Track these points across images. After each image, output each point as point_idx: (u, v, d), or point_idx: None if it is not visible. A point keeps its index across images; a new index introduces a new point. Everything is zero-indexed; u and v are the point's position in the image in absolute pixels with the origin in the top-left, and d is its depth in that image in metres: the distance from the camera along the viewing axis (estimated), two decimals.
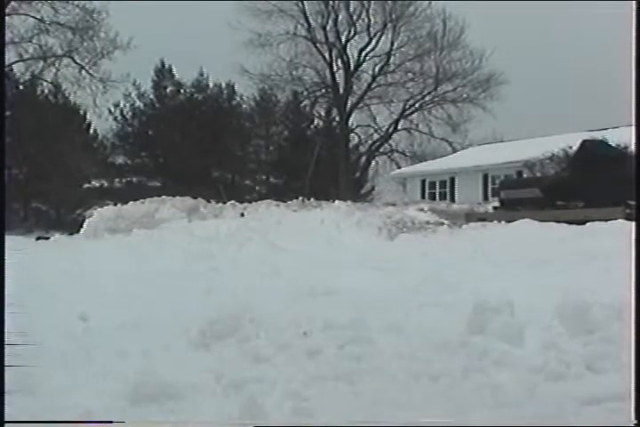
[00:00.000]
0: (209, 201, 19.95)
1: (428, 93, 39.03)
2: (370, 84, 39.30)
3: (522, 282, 6.65)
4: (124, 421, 3.29)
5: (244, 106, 42.74)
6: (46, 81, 33.57)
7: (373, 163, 41.57)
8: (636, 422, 3.02)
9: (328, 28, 38.51)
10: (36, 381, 3.86)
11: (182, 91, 41.56)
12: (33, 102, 32.44)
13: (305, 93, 40.70)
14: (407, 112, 39.46)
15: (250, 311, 5.21)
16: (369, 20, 38.54)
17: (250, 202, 20.38)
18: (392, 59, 38.82)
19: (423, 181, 31.66)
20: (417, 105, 39.36)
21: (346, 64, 39.18)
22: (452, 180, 30.22)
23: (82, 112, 36.27)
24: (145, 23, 36.56)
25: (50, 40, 31.57)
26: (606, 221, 11.18)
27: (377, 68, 39.17)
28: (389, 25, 38.20)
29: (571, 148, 18.60)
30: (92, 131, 39.16)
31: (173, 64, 40.56)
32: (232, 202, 19.58)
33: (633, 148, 13.57)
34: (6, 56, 26.05)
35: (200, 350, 4.69)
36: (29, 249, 13.26)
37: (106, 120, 37.89)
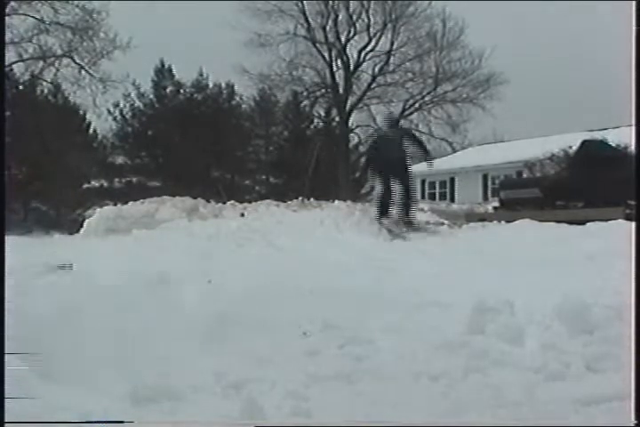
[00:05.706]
0: (209, 201, 19.89)
1: (428, 93, 38.96)
2: (370, 84, 39.25)
3: (522, 282, 6.63)
4: (122, 421, 3.29)
5: (243, 106, 42.71)
6: (46, 81, 33.53)
7: None
8: (636, 422, 3.02)
9: (328, 28, 38.46)
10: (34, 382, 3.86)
11: (182, 91, 41.48)
12: (33, 102, 32.37)
13: (305, 93, 40.66)
14: (407, 112, 39.40)
15: (250, 311, 5.21)
16: (369, 20, 38.50)
17: (250, 202, 20.31)
18: (392, 59, 38.76)
19: (423, 181, 31.64)
20: (417, 105, 39.28)
21: (346, 64, 39.13)
22: (452, 180, 30.25)
23: (81, 112, 36.24)
24: (145, 23, 36.63)
25: (50, 40, 31.52)
26: (606, 221, 11.15)
27: (377, 68, 39.13)
28: (389, 25, 38.16)
29: (571, 148, 18.58)
30: (91, 131, 39.11)
31: (173, 64, 40.58)
32: (232, 202, 19.52)
33: (633, 148, 13.58)
34: (6, 56, 26.05)
35: (200, 350, 4.69)
36: (29, 249, 13.25)
37: (105, 120, 37.86)
